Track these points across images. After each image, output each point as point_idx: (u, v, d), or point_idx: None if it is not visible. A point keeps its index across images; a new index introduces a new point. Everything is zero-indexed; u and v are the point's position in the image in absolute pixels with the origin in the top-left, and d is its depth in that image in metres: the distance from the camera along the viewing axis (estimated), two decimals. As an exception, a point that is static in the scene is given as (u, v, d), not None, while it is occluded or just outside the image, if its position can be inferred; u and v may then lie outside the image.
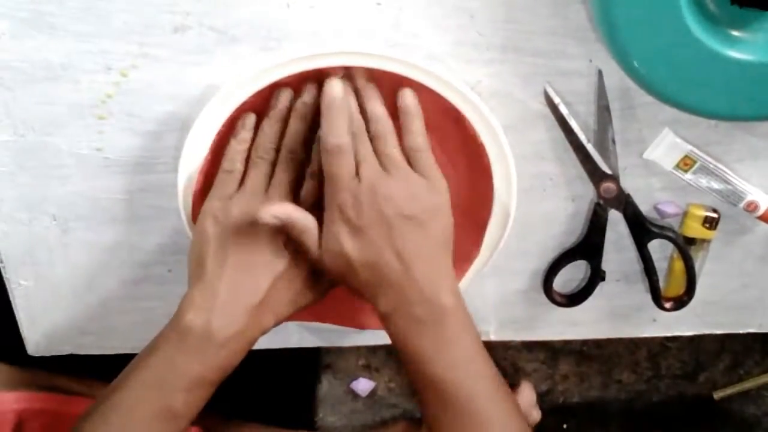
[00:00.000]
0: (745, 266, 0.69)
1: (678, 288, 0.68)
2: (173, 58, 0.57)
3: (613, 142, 0.61)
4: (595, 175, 0.62)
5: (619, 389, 1.21)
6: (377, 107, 0.55)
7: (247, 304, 0.55)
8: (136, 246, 0.65)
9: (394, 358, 1.15)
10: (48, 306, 0.68)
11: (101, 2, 0.55)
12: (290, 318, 0.58)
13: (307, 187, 0.57)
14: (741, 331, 0.74)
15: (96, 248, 0.65)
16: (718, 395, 1.24)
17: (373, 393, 1.15)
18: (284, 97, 0.57)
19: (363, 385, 1.14)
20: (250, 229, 0.55)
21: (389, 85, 0.56)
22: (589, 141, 0.61)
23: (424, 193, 0.54)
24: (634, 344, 1.19)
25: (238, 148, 0.57)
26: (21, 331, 0.69)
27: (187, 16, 0.55)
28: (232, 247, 0.55)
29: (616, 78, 0.58)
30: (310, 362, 1.12)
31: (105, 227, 0.64)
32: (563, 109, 0.59)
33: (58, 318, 0.69)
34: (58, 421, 0.74)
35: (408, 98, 0.56)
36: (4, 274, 0.66)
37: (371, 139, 0.55)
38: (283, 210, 0.53)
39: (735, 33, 0.53)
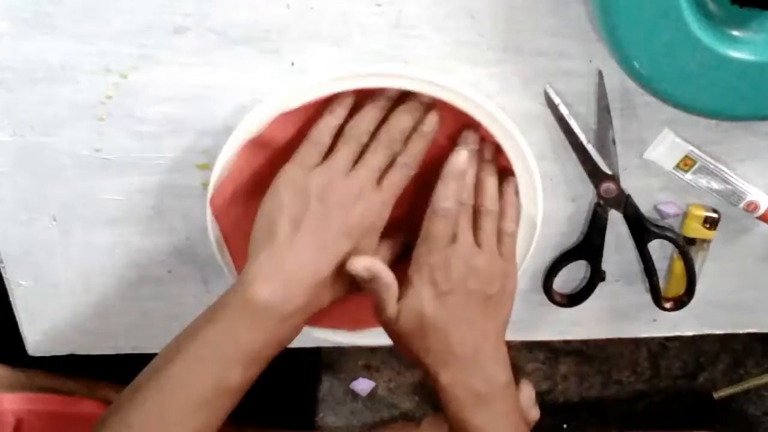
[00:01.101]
0: (745, 266, 0.69)
1: (678, 288, 0.68)
2: (173, 60, 0.57)
3: (614, 142, 0.61)
4: (596, 175, 0.62)
5: (619, 389, 1.21)
6: (491, 186, 0.58)
7: (312, 278, 0.54)
8: (136, 246, 0.65)
9: (394, 358, 1.15)
10: (48, 306, 0.68)
11: (101, 3, 0.55)
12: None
13: (397, 176, 0.56)
14: (741, 331, 0.74)
15: (96, 248, 0.65)
16: (718, 395, 1.24)
17: (373, 393, 1.15)
18: (392, 90, 0.56)
19: (363, 385, 1.14)
20: (325, 203, 0.54)
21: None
22: (589, 141, 0.61)
23: (502, 277, 0.57)
24: (634, 344, 1.19)
25: (331, 123, 0.56)
26: (21, 331, 0.69)
27: (186, 18, 0.55)
28: (306, 217, 0.54)
29: (616, 78, 0.58)
30: (310, 362, 1.12)
31: (104, 228, 0.64)
32: (563, 110, 0.59)
33: (58, 318, 0.69)
34: (57, 422, 0.74)
35: (509, 191, 0.58)
36: (4, 274, 0.66)
37: (475, 210, 0.57)
38: (372, 265, 0.54)
39: (735, 33, 0.53)
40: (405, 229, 0.59)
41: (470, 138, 0.57)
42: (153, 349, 0.71)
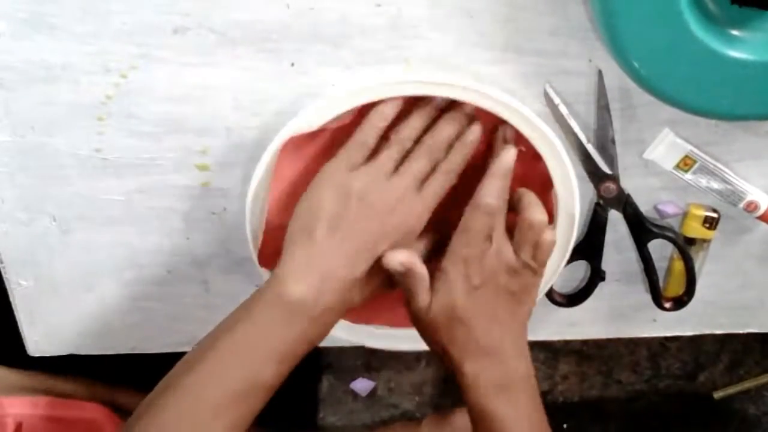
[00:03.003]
0: (745, 266, 0.69)
1: (678, 288, 0.68)
2: (173, 60, 0.57)
3: (613, 142, 0.61)
4: (595, 175, 0.62)
5: (619, 389, 1.21)
6: (531, 196, 0.57)
7: (346, 278, 0.54)
8: (136, 247, 0.65)
9: (394, 358, 1.15)
10: (48, 306, 0.68)
11: (101, 3, 0.55)
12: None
13: (438, 183, 0.57)
14: (741, 331, 0.74)
15: (96, 248, 0.65)
16: (717, 395, 1.24)
17: (373, 393, 1.15)
18: (440, 98, 0.57)
19: (363, 385, 1.14)
20: (365, 205, 0.54)
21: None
22: (589, 141, 0.61)
23: (530, 276, 0.57)
24: (634, 344, 1.19)
25: (378, 124, 0.56)
26: (21, 331, 0.69)
27: (186, 18, 0.55)
28: (346, 218, 0.54)
29: (616, 78, 0.58)
30: (310, 362, 1.11)
31: (104, 228, 0.64)
32: (563, 109, 0.59)
33: (58, 318, 0.69)
34: (57, 426, 0.74)
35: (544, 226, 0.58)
36: (4, 274, 0.66)
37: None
38: (407, 259, 0.55)
39: (735, 33, 0.53)
40: (437, 226, 0.59)
41: (509, 135, 0.58)
42: (153, 349, 0.71)
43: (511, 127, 0.57)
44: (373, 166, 0.55)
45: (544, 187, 0.60)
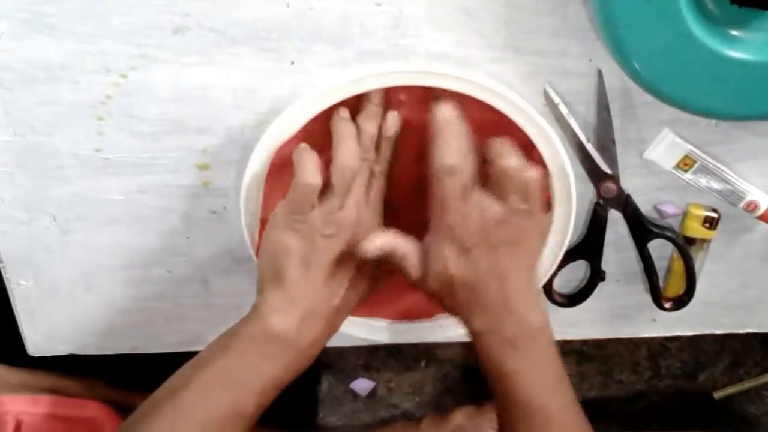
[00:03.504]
0: (745, 266, 0.69)
1: (678, 288, 0.68)
2: (173, 60, 0.57)
3: (613, 141, 0.61)
4: (595, 174, 0.62)
5: (619, 389, 1.21)
6: (495, 141, 0.55)
7: (327, 309, 0.56)
8: (136, 246, 0.65)
9: (394, 358, 1.15)
10: (48, 306, 0.68)
11: (101, 3, 0.55)
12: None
13: (378, 185, 0.58)
14: (741, 331, 0.74)
15: (96, 248, 0.65)
16: (717, 395, 1.24)
17: (373, 393, 1.15)
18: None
19: (363, 385, 1.14)
20: (329, 239, 0.55)
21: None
22: (588, 141, 0.61)
23: (524, 218, 0.54)
24: (634, 344, 1.19)
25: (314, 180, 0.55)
26: (21, 331, 0.69)
27: (186, 17, 0.55)
28: (314, 255, 0.55)
29: (616, 78, 0.58)
30: (310, 362, 1.12)
31: (104, 228, 0.64)
32: (563, 109, 0.59)
33: (58, 318, 0.69)
34: (57, 424, 0.74)
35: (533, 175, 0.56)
36: (4, 274, 0.66)
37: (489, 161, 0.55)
38: (386, 240, 0.55)
39: (735, 33, 0.53)
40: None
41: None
42: (153, 349, 0.71)
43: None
44: (327, 206, 0.55)
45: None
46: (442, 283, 0.55)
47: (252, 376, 0.53)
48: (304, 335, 0.54)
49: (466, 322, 0.56)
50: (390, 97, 0.57)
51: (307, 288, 0.55)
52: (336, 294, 0.56)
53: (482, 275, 0.54)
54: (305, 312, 0.54)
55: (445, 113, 0.54)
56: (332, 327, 0.57)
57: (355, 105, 0.57)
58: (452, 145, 0.53)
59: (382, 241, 0.55)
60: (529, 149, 0.58)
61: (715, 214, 0.64)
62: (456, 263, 0.54)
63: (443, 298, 0.56)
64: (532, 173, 0.54)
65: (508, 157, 0.53)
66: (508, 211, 0.54)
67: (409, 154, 0.60)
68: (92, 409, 0.78)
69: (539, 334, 0.55)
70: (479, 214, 0.53)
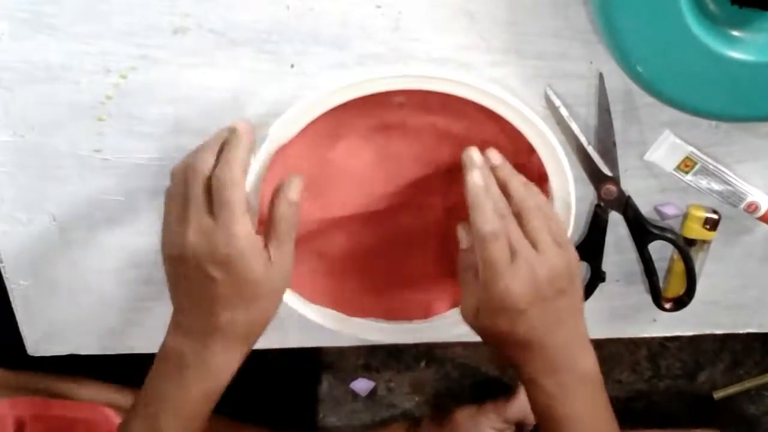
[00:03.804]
0: (745, 267, 0.69)
1: (678, 289, 0.68)
2: (172, 60, 0.57)
3: (614, 144, 0.61)
4: (596, 176, 0.62)
5: (619, 389, 1.21)
6: (519, 186, 0.55)
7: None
8: (135, 247, 0.65)
9: (394, 358, 1.15)
10: (48, 306, 0.68)
11: (101, 4, 0.55)
12: None
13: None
14: (741, 331, 0.74)
15: (95, 248, 0.65)
16: (717, 395, 1.24)
17: (373, 393, 1.15)
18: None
19: (363, 385, 1.14)
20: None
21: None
22: (589, 143, 0.61)
23: (565, 264, 0.55)
24: (634, 344, 1.19)
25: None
26: (21, 331, 0.69)
27: (186, 18, 0.55)
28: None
29: (617, 80, 0.58)
30: (310, 362, 1.12)
31: (104, 228, 0.64)
32: (564, 111, 0.59)
33: (58, 318, 0.69)
34: (57, 427, 0.74)
35: (528, 182, 0.57)
36: (4, 274, 0.66)
37: (515, 216, 0.55)
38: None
39: (735, 33, 0.53)
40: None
41: (474, 156, 0.55)
42: (153, 349, 0.71)
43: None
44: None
45: (540, 179, 0.60)
46: (494, 338, 0.56)
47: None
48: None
49: (520, 369, 0.56)
50: (389, 100, 0.57)
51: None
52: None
53: (538, 331, 0.54)
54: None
55: (475, 180, 0.54)
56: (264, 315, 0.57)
57: (353, 106, 0.57)
58: (488, 210, 0.53)
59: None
60: (528, 155, 0.58)
61: (715, 216, 0.64)
62: (514, 327, 0.54)
63: (497, 346, 0.57)
64: (551, 210, 0.56)
65: (527, 199, 0.55)
66: (552, 262, 0.54)
67: (408, 158, 0.60)
68: (92, 413, 0.78)
69: (592, 379, 0.57)
70: (530, 275, 0.53)
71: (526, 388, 0.57)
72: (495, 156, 0.56)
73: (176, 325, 0.55)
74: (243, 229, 0.50)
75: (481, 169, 0.55)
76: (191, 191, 0.51)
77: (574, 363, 0.56)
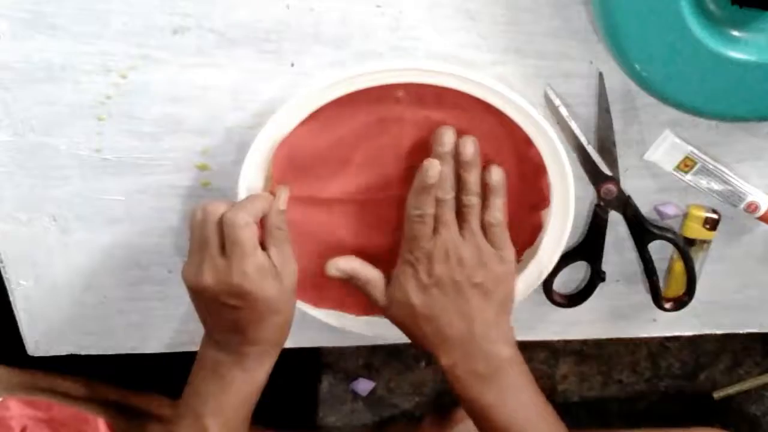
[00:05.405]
0: (745, 267, 0.69)
1: (678, 288, 0.68)
2: (172, 60, 0.57)
3: (614, 143, 0.61)
4: (596, 176, 0.62)
5: (619, 389, 1.21)
6: (471, 182, 0.57)
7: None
8: (136, 246, 0.65)
9: (394, 358, 1.15)
10: (48, 306, 0.68)
11: (101, 3, 0.55)
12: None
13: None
14: (741, 331, 0.74)
15: (95, 248, 0.65)
16: (717, 395, 1.24)
17: (373, 393, 1.15)
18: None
19: (363, 385, 1.14)
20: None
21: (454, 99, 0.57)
22: (589, 143, 0.61)
23: (493, 264, 0.58)
24: (634, 344, 1.18)
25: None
26: (21, 331, 0.69)
27: (186, 18, 0.55)
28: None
29: (617, 79, 0.58)
30: (310, 362, 1.12)
31: (104, 228, 0.64)
32: (563, 111, 0.59)
33: (58, 318, 0.69)
34: (60, 427, 0.74)
35: (495, 176, 0.58)
36: (4, 274, 0.66)
37: (458, 202, 0.58)
38: (346, 265, 0.60)
39: (735, 33, 0.53)
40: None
41: (446, 137, 0.56)
42: (153, 349, 0.71)
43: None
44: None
45: (537, 171, 0.60)
46: (404, 313, 0.59)
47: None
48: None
49: (435, 356, 0.59)
50: (389, 94, 0.57)
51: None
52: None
53: (444, 311, 0.58)
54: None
55: (431, 171, 0.56)
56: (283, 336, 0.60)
57: (353, 100, 0.57)
58: (426, 201, 0.57)
59: (342, 265, 0.59)
60: (526, 147, 0.58)
61: (715, 216, 0.64)
62: (417, 296, 0.58)
63: (409, 328, 0.59)
64: (491, 216, 0.57)
65: (475, 202, 0.57)
66: (476, 256, 0.57)
67: (403, 152, 0.60)
68: (96, 414, 0.78)
69: (509, 365, 0.59)
70: (444, 254, 0.57)
71: (445, 378, 0.59)
72: (469, 151, 0.57)
73: (209, 338, 0.59)
74: (253, 264, 0.54)
75: (443, 156, 0.56)
76: (205, 233, 0.55)
77: (487, 352, 0.58)
